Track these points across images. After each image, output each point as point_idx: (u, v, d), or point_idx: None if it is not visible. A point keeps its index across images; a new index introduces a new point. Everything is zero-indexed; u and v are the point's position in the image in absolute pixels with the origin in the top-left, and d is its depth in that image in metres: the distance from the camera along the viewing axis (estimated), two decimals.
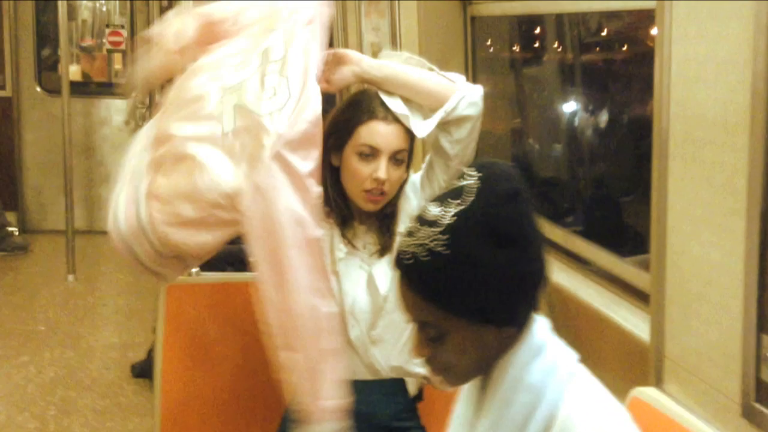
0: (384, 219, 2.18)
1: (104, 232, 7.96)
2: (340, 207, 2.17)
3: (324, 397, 2.05)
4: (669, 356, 1.85)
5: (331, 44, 6.40)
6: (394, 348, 2.16)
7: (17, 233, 7.40)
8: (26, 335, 5.20)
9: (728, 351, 1.65)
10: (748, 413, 1.60)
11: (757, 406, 1.58)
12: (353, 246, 2.17)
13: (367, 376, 2.17)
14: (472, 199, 1.27)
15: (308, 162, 1.99)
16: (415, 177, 2.24)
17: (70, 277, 6.31)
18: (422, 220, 1.29)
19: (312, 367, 2.05)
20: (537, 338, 1.33)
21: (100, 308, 5.83)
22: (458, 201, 1.27)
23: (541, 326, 1.35)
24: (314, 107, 2.00)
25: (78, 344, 5.07)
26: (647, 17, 2.75)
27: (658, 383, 1.87)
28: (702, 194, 1.74)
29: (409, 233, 1.30)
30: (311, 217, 2.01)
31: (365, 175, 2.09)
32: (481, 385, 1.38)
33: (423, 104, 2.11)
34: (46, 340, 5.11)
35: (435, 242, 1.25)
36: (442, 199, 1.29)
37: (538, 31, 3.81)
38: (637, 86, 3.07)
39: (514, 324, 1.31)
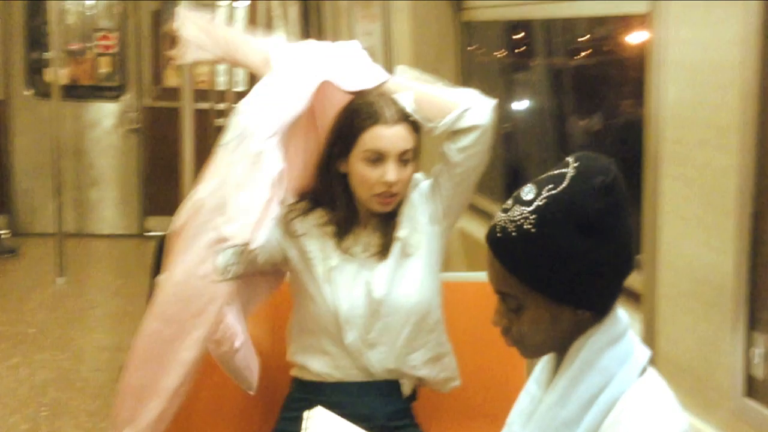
0: (387, 221, 2.19)
1: (93, 235, 7.89)
2: (348, 213, 2.18)
3: (132, 427, 2.07)
4: (660, 353, 1.88)
5: None
6: (391, 351, 2.17)
7: (7, 236, 7.40)
8: (17, 337, 5.18)
9: (718, 347, 1.69)
10: (738, 408, 1.64)
11: (747, 400, 1.62)
12: (349, 253, 2.18)
13: (361, 378, 2.18)
14: (564, 185, 1.34)
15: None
16: (425, 184, 2.24)
17: (60, 280, 6.29)
18: (517, 198, 1.38)
19: (144, 395, 2.06)
20: (617, 328, 1.40)
21: (90, 311, 5.82)
22: (552, 185, 1.35)
23: (623, 317, 1.42)
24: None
25: (69, 346, 5.06)
26: (634, 23, 2.80)
27: None
28: (693, 195, 1.78)
29: (504, 210, 1.39)
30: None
31: (374, 179, 2.10)
32: (554, 366, 1.45)
33: (429, 114, 2.13)
34: (36, 343, 5.09)
35: (524, 220, 1.34)
36: (539, 182, 1.37)
37: (527, 36, 3.85)
38: (626, 90, 3.11)
39: (589, 308, 1.38)
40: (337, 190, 2.17)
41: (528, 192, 1.37)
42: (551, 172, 1.38)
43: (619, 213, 1.35)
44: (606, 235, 1.34)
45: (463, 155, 2.13)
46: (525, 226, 1.34)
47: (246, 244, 2.03)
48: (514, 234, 1.35)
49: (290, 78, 2.14)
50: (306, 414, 1.75)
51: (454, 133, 2.12)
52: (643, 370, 1.39)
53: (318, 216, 2.21)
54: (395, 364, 2.17)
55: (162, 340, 2.08)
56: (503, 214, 1.38)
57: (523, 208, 1.35)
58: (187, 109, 2.69)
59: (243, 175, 2.04)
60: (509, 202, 1.39)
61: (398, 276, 2.16)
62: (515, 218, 1.35)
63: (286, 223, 2.18)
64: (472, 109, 2.10)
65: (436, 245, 2.22)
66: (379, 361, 2.16)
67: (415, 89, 2.17)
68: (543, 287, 1.36)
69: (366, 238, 2.19)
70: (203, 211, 2.05)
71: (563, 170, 1.36)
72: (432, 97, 2.16)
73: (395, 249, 2.17)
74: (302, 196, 2.24)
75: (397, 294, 2.15)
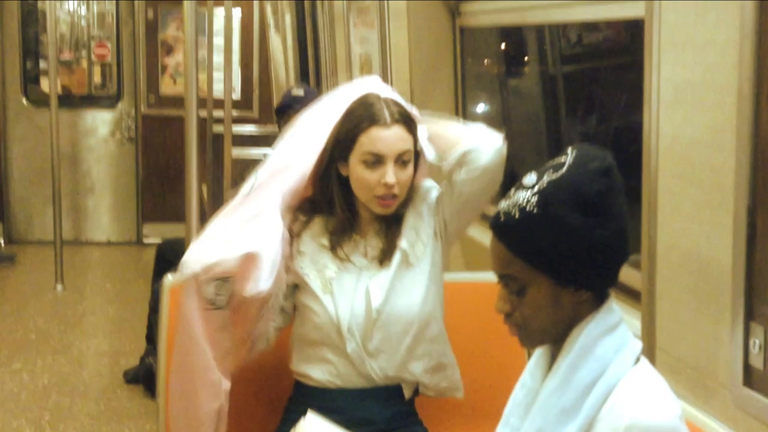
0: (389, 227, 2.20)
1: (90, 243, 7.90)
2: (347, 217, 2.19)
3: None
4: (660, 346, 1.92)
5: (317, 55, 6.41)
6: (392, 360, 2.17)
7: (3, 244, 7.41)
8: (17, 343, 5.20)
9: (717, 339, 1.74)
10: (738, 397, 1.69)
11: (746, 390, 1.67)
12: (348, 260, 2.19)
13: (362, 384, 2.19)
14: (564, 170, 1.42)
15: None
16: (434, 195, 2.24)
17: (59, 287, 6.32)
18: (519, 185, 1.45)
19: (193, 424, 2.17)
20: (612, 318, 1.46)
21: (89, 317, 5.84)
22: (552, 171, 1.43)
23: (616, 309, 1.48)
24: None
25: (69, 352, 5.09)
26: (626, 28, 2.85)
27: None
28: (691, 192, 1.83)
29: (506, 197, 1.46)
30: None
31: (374, 182, 2.11)
32: (549, 358, 1.51)
33: (438, 148, 2.17)
34: (37, 348, 5.11)
35: (527, 203, 1.41)
36: (539, 170, 1.44)
37: (523, 42, 3.89)
38: (620, 93, 3.15)
39: (588, 288, 1.44)
40: (338, 193, 2.18)
41: (529, 178, 1.44)
42: (551, 161, 1.45)
43: (616, 195, 1.43)
44: (605, 214, 1.41)
45: (465, 187, 2.14)
46: (528, 209, 1.40)
47: (230, 276, 2.10)
48: (517, 216, 1.41)
49: (305, 141, 2.23)
50: (299, 424, 1.81)
51: (459, 165, 2.13)
52: (637, 360, 1.44)
53: (314, 225, 2.22)
54: (396, 372, 2.19)
55: (194, 370, 2.17)
56: (506, 201, 1.45)
57: (526, 192, 1.42)
58: (192, 117, 2.70)
59: (242, 222, 2.14)
60: (512, 190, 1.45)
61: (398, 286, 2.17)
62: (518, 202, 1.42)
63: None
64: (477, 148, 2.10)
65: (439, 257, 2.23)
66: (381, 369, 2.17)
67: (428, 124, 2.20)
68: (546, 266, 1.42)
69: (366, 244, 2.21)
70: (208, 251, 2.14)
71: (562, 158, 1.44)
72: (440, 132, 2.19)
73: (396, 258, 2.18)
74: (298, 208, 2.25)
75: (397, 304, 2.16)
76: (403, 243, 2.18)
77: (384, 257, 2.19)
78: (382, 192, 2.12)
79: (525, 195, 1.42)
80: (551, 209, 1.40)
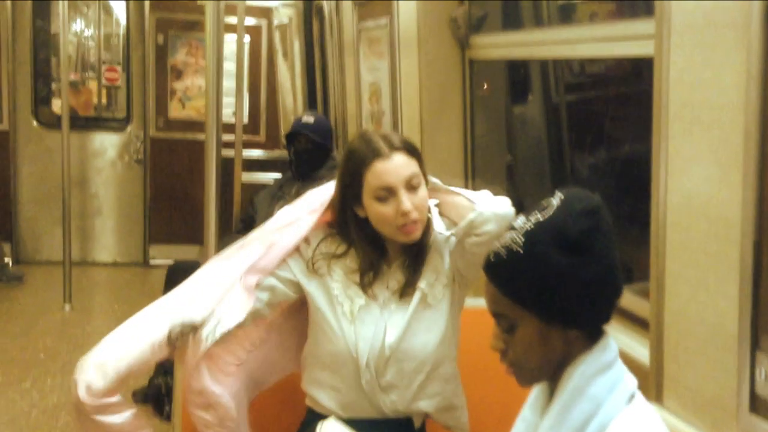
0: (413, 262, 2.22)
1: (97, 263, 7.87)
2: (374, 255, 2.22)
3: None
4: (668, 374, 1.98)
5: (325, 83, 6.44)
6: (403, 397, 2.21)
7: (11, 264, 7.46)
8: (26, 362, 5.25)
9: (724, 367, 1.79)
10: (745, 425, 1.74)
11: (753, 417, 1.72)
12: (373, 295, 2.22)
13: (372, 415, 2.22)
14: (550, 211, 1.48)
15: None
16: (455, 240, 2.23)
17: (67, 307, 6.36)
18: (510, 227, 1.52)
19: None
20: (607, 356, 1.50)
21: (97, 337, 5.75)
22: (539, 212, 1.49)
23: (612, 347, 1.52)
24: None
25: None
26: (628, 59, 2.91)
27: (658, 399, 2.01)
28: (698, 224, 1.89)
29: (499, 238, 1.53)
30: None
31: (392, 214, 2.12)
32: (548, 394, 1.56)
33: (448, 216, 2.24)
34: (46, 367, 5.16)
35: (513, 243, 1.48)
36: (528, 212, 1.51)
37: (527, 70, 3.95)
38: (626, 124, 3.22)
39: (577, 327, 1.49)
40: (360, 237, 2.21)
41: (518, 220, 1.51)
42: (540, 203, 1.51)
43: (601, 235, 1.47)
44: (589, 254, 1.45)
45: (475, 249, 2.15)
46: (515, 249, 1.47)
47: (193, 326, 2.20)
48: (504, 256, 1.48)
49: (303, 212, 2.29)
50: (319, 425, 1.85)
51: (467, 234, 2.15)
52: (631, 397, 1.48)
53: (349, 256, 2.24)
54: (406, 407, 2.22)
55: None
56: (498, 242, 1.51)
57: (513, 233, 1.49)
58: (212, 141, 2.78)
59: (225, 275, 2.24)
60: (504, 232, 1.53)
61: (415, 325, 2.19)
62: (506, 243, 1.48)
63: (311, 260, 2.24)
64: (484, 216, 2.12)
65: (458, 299, 2.26)
66: (392, 403, 2.21)
67: (437, 193, 2.23)
68: (532, 305, 1.47)
69: (390, 278, 2.23)
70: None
71: (550, 200, 1.50)
72: (448, 201, 2.22)
73: (415, 298, 2.20)
74: (330, 224, 2.28)
75: (412, 343, 2.18)
76: (422, 284, 2.21)
77: (404, 293, 2.21)
78: (402, 222, 2.13)
79: (512, 236, 1.48)
80: (536, 249, 1.45)
